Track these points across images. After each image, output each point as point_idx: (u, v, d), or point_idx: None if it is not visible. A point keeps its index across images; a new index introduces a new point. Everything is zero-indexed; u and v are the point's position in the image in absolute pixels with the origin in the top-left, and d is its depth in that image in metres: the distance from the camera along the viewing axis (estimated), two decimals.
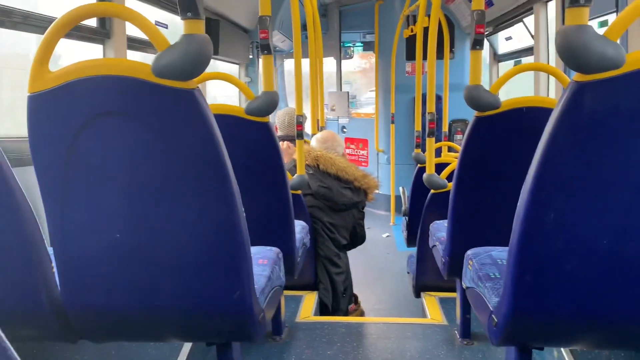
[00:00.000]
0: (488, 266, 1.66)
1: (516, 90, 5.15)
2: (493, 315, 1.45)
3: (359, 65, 8.57)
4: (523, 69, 2.44)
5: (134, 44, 3.18)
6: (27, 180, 1.39)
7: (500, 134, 1.94)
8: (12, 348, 0.44)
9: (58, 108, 1.22)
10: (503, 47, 5.57)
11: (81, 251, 1.35)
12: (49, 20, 2.34)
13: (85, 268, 1.37)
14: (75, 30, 2.30)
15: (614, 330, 1.36)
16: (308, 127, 4.04)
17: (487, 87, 1.94)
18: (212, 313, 1.37)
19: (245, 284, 1.36)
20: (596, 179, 1.19)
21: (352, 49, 7.59)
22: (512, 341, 1.49)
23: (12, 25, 2.23)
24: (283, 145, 3.47)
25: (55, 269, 1.40)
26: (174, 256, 1.32)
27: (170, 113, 1.21)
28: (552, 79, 3.93)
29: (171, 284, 1.35)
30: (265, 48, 2.10)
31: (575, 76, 1.14)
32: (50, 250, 1.40)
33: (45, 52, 1.22)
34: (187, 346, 1.99)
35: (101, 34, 2.78)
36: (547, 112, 1.93)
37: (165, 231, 1.30)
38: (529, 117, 1.91)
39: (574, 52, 1.10)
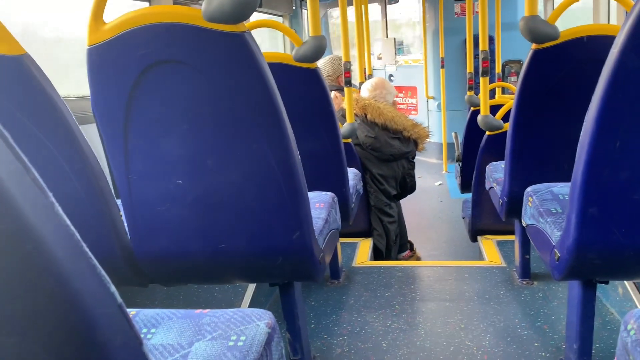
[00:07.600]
0: (549, 202, 1.62)
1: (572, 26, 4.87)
2: (555, 250, 1.42)
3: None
4: None
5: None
6: (90, 137, 1.45)
7: (560, 66, 1.85)
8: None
9: (115, 59, 1.25)
10: None
11: (146, 199, 1.40)
12: None
13: (150, 215, 1.42)
14: None
15: None
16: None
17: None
18: (274, 254, 1.41)
19: (303, 225, 1.39)
20: None
21: None
22: (575, 275, 1.46)
23: None
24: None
25: (124, 218, 1.47)
26: (233, 200, 1.36)
27: (223, 57, 1.22)
28: (612, 8, 3.69)
29: (233, 227, 1.39)
30: None
31: None
32: (118, 202, 1.47)
33: (99, 6, 1.24)
34: (250, 288, 2.06)
35: None
36: (609, 40, 1.82)
37: (223, 176, 1.33)
38: (590, 47, 1.80)
39: None
